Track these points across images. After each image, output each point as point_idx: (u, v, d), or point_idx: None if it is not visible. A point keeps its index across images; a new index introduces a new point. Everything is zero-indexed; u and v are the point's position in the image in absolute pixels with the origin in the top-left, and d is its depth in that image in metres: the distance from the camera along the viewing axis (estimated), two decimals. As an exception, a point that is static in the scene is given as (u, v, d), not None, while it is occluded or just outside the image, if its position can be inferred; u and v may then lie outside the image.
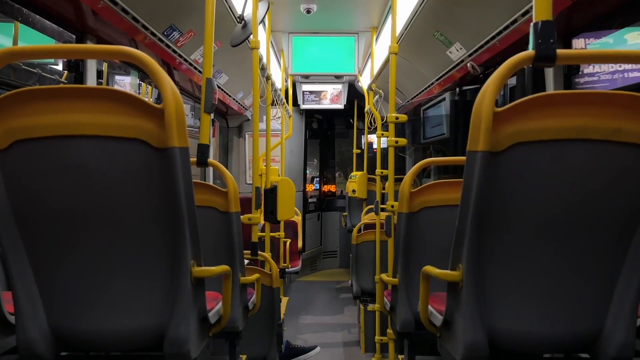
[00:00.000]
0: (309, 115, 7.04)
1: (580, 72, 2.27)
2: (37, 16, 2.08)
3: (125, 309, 1.21)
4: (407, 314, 1.97)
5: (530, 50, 1.05)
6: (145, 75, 3.03)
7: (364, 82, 5.00)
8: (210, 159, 1.79)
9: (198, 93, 4.11)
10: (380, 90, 3.84)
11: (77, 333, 1.21)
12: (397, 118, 2.62)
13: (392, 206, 2.51)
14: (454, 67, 3.32)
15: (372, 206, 3.77)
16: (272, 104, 3.45)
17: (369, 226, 3.77)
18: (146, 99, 1.12)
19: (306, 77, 5.40)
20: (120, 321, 1.21)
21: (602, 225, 1.14)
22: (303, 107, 5.81)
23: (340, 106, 5.72)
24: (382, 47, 4.17)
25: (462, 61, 3.14)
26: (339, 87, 5.62)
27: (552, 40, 1.04)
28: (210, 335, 1.45)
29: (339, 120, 7.83)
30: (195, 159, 1.67)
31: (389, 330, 2.93)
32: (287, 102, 5.15)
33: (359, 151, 6.33)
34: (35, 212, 1.16)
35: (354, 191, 5.47)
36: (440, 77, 3.68)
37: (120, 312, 1.21)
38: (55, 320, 1.21)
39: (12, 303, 1.19)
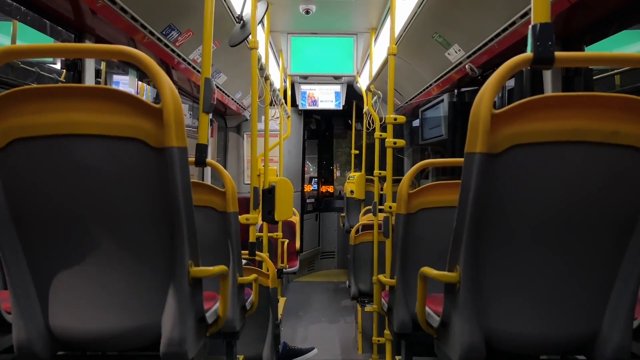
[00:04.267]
0: (308, 116, 7.04)
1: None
2: (36, 15, 2.07)
3: (122, 309, 1.21)
4: (405, 314, 1.97)
5: (528, 53, 1.06)
6: (143, 74, 3.02)
7: (363, 83, 5.00)
8: (209, 159, 1.79)
9: (196, 93, 4.11)
10: (379, 91, 3.84)
11: (74, 332, 1.21)
12: (395, 119, 2.62)
13: (390, 207, 2.51)
14: (452, 69, 3.32)
15: (370, 207, 3.78)
16: (271, 104, 3.45)
17: (367, 227, 3.78)
18: (144, 99, 1.11)
19: (305, 77, 5.39)
20: (117, 321, 1.21)
21: (599, 228, 1.15)
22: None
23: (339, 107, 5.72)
24: (380, 48, 4.17)
25: (460, 63, 3.14)
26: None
27: (550, 43, 1.05)
28: (207, 335, 1.44)
29: (337, 121, 7.83)
30: (193, 159, 1.67)
31: (387, 331, 2.93)
32: (286, 102, 5.15)
33: (357, 152, 6.33)
34: (32, 211, 1.16)
35: (352, 192, 5.47)
36: (438, 79, 3.68)
37: (117, 311, 1.21)
38: (52, 320, 1.21)
39: (9, 302, 1.19)
